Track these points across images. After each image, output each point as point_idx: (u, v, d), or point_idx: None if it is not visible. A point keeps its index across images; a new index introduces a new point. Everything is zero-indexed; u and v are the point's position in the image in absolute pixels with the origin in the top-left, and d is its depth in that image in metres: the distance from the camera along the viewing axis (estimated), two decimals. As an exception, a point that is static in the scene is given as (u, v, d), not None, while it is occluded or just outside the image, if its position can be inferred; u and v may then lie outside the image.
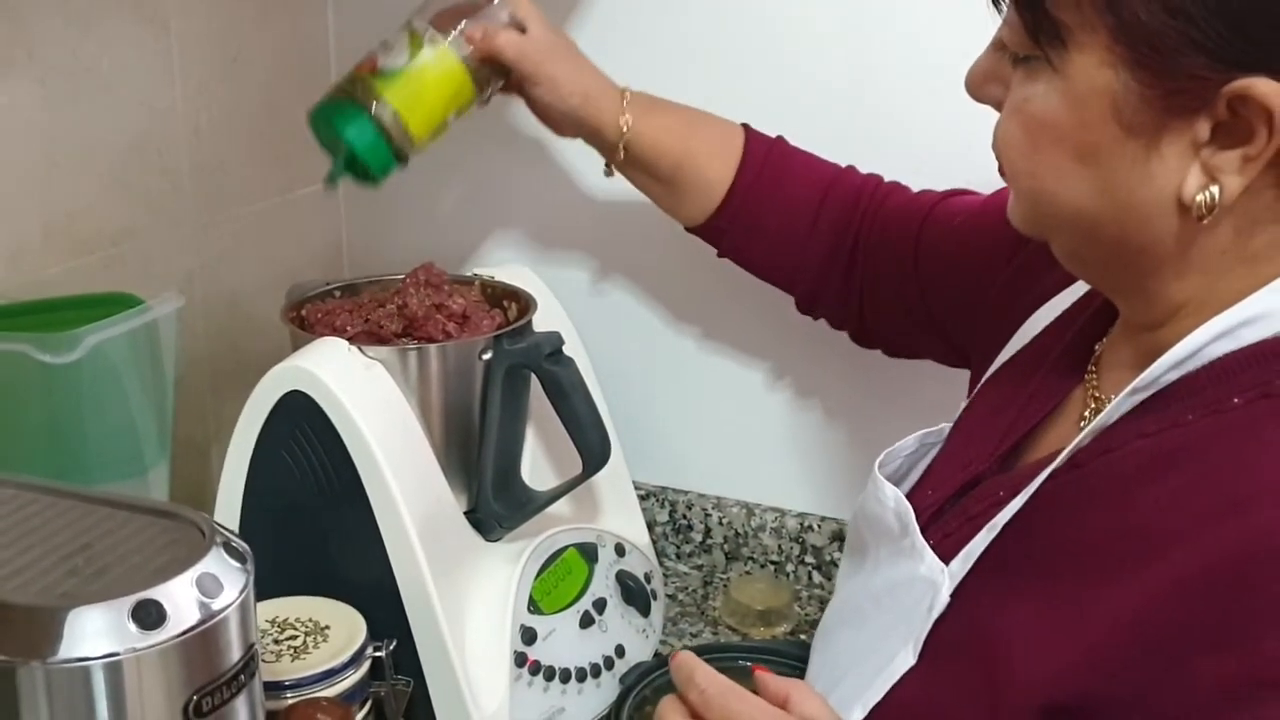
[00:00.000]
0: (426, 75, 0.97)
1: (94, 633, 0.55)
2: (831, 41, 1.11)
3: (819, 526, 1.22)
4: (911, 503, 0.76)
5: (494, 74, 1.00)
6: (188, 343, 1.12)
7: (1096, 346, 0.74)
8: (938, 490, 0.77)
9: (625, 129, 1.00)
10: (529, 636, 0.99)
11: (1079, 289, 0.79)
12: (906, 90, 1.09)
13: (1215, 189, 0.60)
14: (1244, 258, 0.63)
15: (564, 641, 1.01)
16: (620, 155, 1.02)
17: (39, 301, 0.94)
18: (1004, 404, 0.78)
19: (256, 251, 1.22)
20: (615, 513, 1.16)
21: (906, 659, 0.68)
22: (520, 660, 0.98)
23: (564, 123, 1.02)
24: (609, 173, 1.05)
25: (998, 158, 0.69)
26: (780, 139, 1.05)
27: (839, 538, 1.21)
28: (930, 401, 1.12)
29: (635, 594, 1.08)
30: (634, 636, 1.08)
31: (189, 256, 1.14)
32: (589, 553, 1.07)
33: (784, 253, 1.03)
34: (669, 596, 1.21)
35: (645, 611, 1.09)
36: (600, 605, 1.05)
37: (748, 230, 1.03)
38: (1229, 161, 0.60)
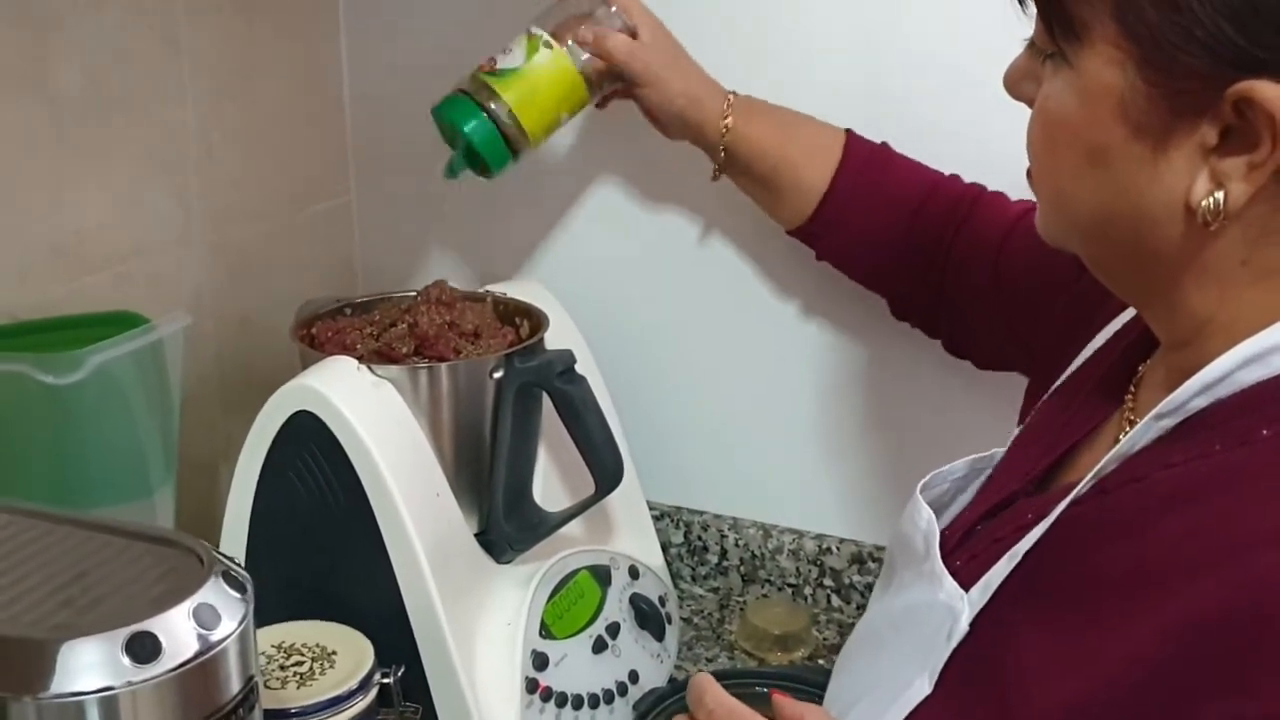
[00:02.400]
0: (541, 75, 1.02)
1: (87, 666, 0.53)
2: (846, 45, 1.10)
3: (838, 549, 1.20)
4: (950, 527, 0.74)
5: (607, 77, 1.04)
6: (197, 361, 1.11)
7: (1141, 368, 0.73)
8: (972, 512, 0.76)
9: (725, 131, 1.03)
10: (540, 662, 0.97)
11: (1132, 311, 0.77)
12: (922, 95, 1.08)
13: (1221, 195, 0.59)
14: (1264, 271, 0.61)
15: (576, 667, 1.00)
16: (721, 156, 1.04)
17: (44, 320, 0.93)
18: (1048, 427, 0.76)
19: (267, 269, 1.21)
20: (629, 534, 1.14)
21: (923, 688, 0.67)
22: (531, 686, 0.96)
23: (671, 125, 1.06)
24: (715, 176, 1.07)
25: (1028, 156, 0.68)
26: (884, 145, 1.05)
27: (858, 560, 1.19)
28: (956, 424, 1.11)
29: (649, 618, 1.06)
30: (648, 661, 1.06)
31: (199, 274, 1.13)
32: (602, 575, 1.05)
33: (878, 259, 1.04)
34: (684, 620, 1.19)
35: (660, 636, 1.07)
36: (614, 629, 1.04)
37: (843, 235, 1.04)
38: (1235, 167, 0.58)
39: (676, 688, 1.03)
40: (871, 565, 1.19)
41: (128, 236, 1.06)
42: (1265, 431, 0.59)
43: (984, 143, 1.05)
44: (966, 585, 0.68)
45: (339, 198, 1.31)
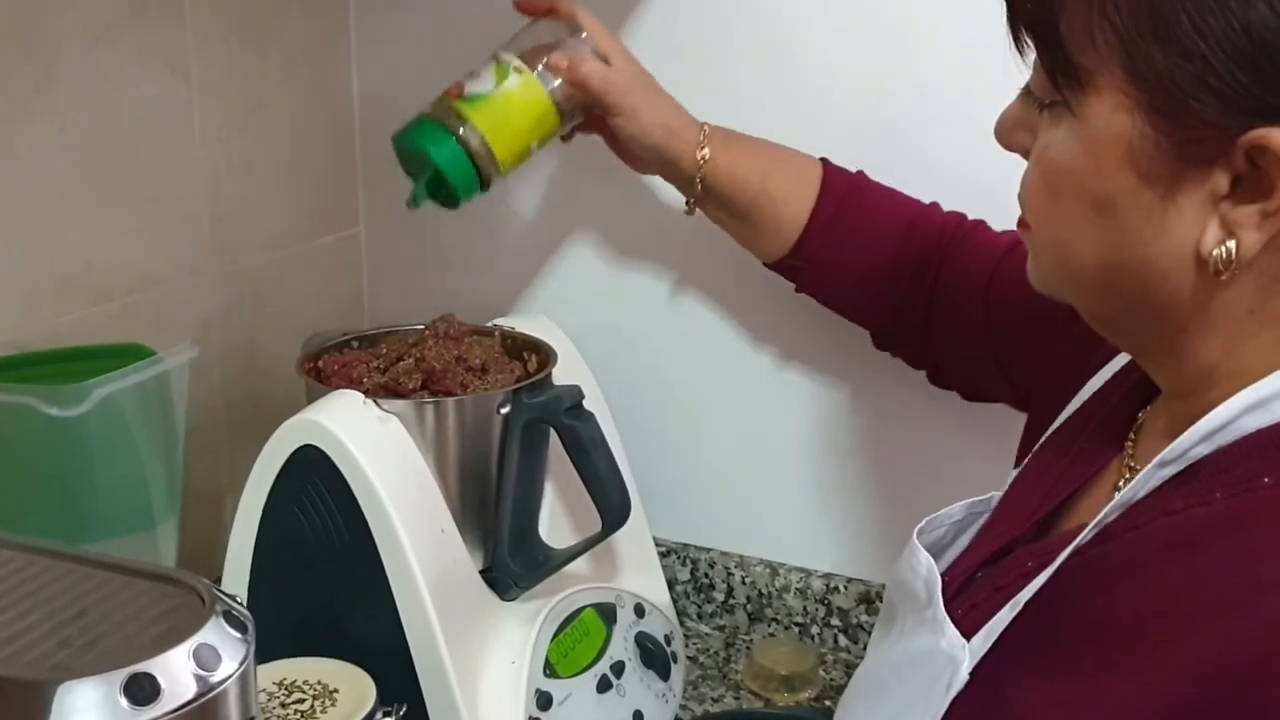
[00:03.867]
0: (512, 102, 0.99)
1: (84, 708, 0.52)
2: (850, 70, 1.10)
3: (845, 588, 1.19)
4: (950, 572, 0.73)
5: (578, 106, 1.02)
6: (203, 392, 1.11)
7: (1140, 414, 0.72)
8: (971, 557, 0.75)
9: (702, 163, 1.01)
10: (544, 701, 0.96)
11: (1120, 364, 0.76)
12: (925, 122, 1.08)
13: (1232, 244, 0.58)
14: (1272, 319, 0.61)
15: (581, 706, 0.99)
16: (697, 189, 1.02)
17: (50, 352, 0.93)
18: (1046, 472, 0.75)
19: (275, 301, 1.21)
20: (635, 571, 1.13)
21: None
22: (535, 726, 0.95)
23: (645, 156, 1.03)
24: (689, 210, 1.05)
25: (1021, 206, 0.68)
26: (861, 174, 1.04)
27: (865, 600, 1.18)
28: (965, 461, 1.10)
29: (655, 656, 1.05)
30: (653, 701, 1.05)
31: (207, 305, 1.13)
32: (607, 613, 1.04)
33: (861, 291, 1.03)
34: (690, 659, 1.18)
35: (665, 675, 1.06)
36: (619, 668, 1.02)
37: (824, 268, 1.03)
38: (1247, 216, 0.57)
39: (682, 728, 1.02)
40: (879, 605, 1.18)
41: (135, 267, 1.05)
42: (1267, 479, 0.58)
43: (991, 175, 1.05)
44: (968, 633, 0.67)
45: (348, 230, 1.31)
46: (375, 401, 0.95)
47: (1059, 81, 0.61)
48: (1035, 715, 0.62)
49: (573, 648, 1.00)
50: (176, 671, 0.55)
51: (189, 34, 1.07)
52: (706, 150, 1.01)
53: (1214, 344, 0.62)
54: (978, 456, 1.06)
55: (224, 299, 1.15)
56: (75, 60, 0.98)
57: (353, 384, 0.98)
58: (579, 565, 1.06)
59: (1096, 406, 0.77)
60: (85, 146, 0.99)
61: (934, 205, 1.02)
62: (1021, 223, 0.68)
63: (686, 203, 1.05)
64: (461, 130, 0.98)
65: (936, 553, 0.76)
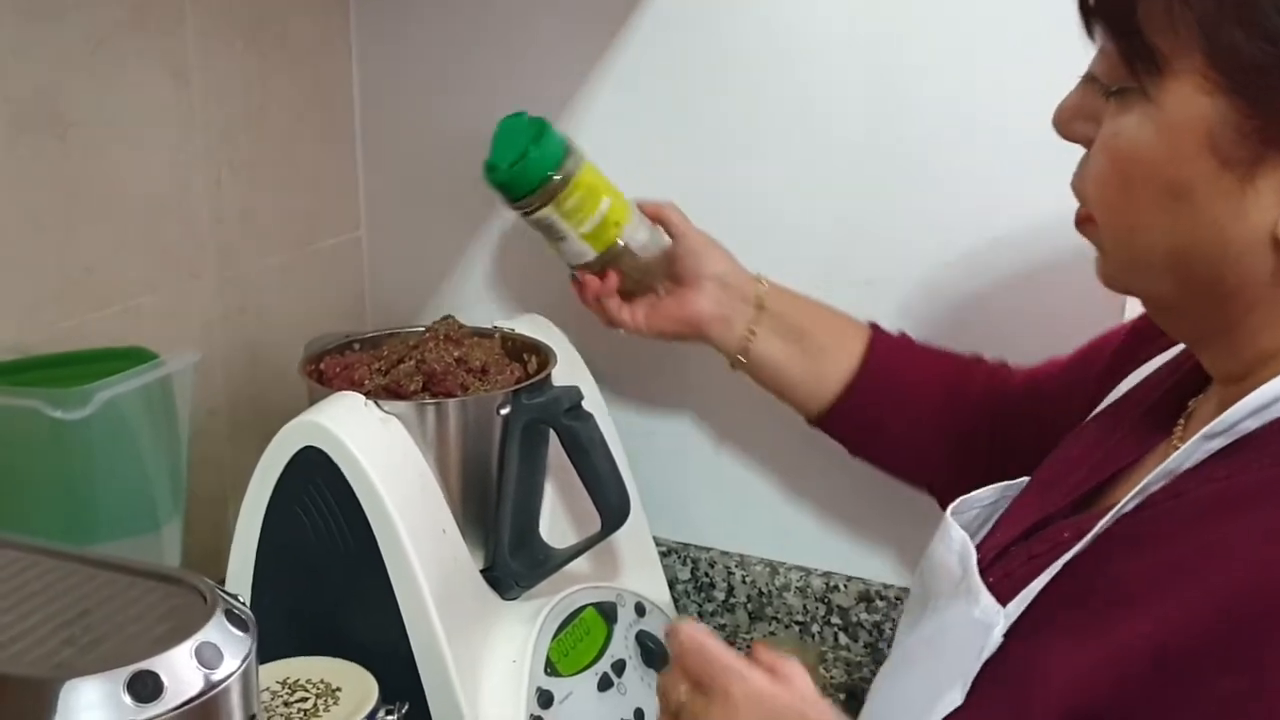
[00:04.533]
0: (601, 184, 1.05)
1: (88, 706, 0.53)
2: (854, 89, 1.10)
3: (845, 586, 1.19)
4: (982, 547, 0.74)
5: (651, 234, 1.06)
6: (206, 395, 1.12)
7: (1191, 403, 0.72)
8: (1004, 533, 0.75)
9: (761, 284, 1.05)
10: (545, 700, 0.97)
11: (1173, 351, 0.77)
12: (930, 136, 1.08)
13: None
14: None
15: (582, 705, 0.99)
16: (743, 360, 1.04)
17: (53, 356, 0.93)
18: (1084, 455, 0.76)
19: (277, 303, 1.21)
20: (635, 570, 1.14)
21: (954, 698, 0.66)
22: (536, 724, 0.95)
23: (696, 310, 1.05)
24: (735, 364, 1.06)
25: (1082, 198, 0.67)
26: (904, 336, 1.04)
27: (865, 598, 1.19)
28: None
29: (655, 655, 1.06)
30: (654, 699, 1.04)
31: (209, 308, 1.14)
32: (608, 612, 1.05)
33: (910, 454, 1.03)
34: (691, 657, 1.18)
35: (666, 673, 1.07)
36: (619, 667, 1.03)
37: (870, 431, 1.03)
38: None
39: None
40: (879, 604, 1.18)
41: (137, 271, 1.06)
42: None
43: (993, 174, 1.06)
44: (1002, 601, 0.68)
45: (349, 233, 1.31)
46: (376, 403, 0.95)
47: (1135, 66, 0.60)
48: (1058, 671, 0.62)
49: (574, 646, 1.01)
50: (179, 669, 0.55)
51: (190, 38, 1.08)
52: (764, 284, 1.04)
53: (1277, 328, 0.62)
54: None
55: (225, 302, 1.15)
56: (77, 64, 0.98)
57: (354, 386, 0.99)
58: (579, 564, 1.07)
59: (1142, 396, 0.77)
60: (87, 150, 1.00)
61: (975, 359, 1.02)
62: (1083, 218, 0.67)
63: (731, 363, 1.06)
64: (571, 159, 1.02)
65: (968, 534, 0.77)
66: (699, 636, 0.71)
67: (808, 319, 1.03)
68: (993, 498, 0.81)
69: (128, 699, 0.54)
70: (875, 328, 1.04)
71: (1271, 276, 0.60)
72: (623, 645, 1.04)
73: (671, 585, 1.21)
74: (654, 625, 1.07)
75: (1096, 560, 0.64)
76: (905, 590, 1.18)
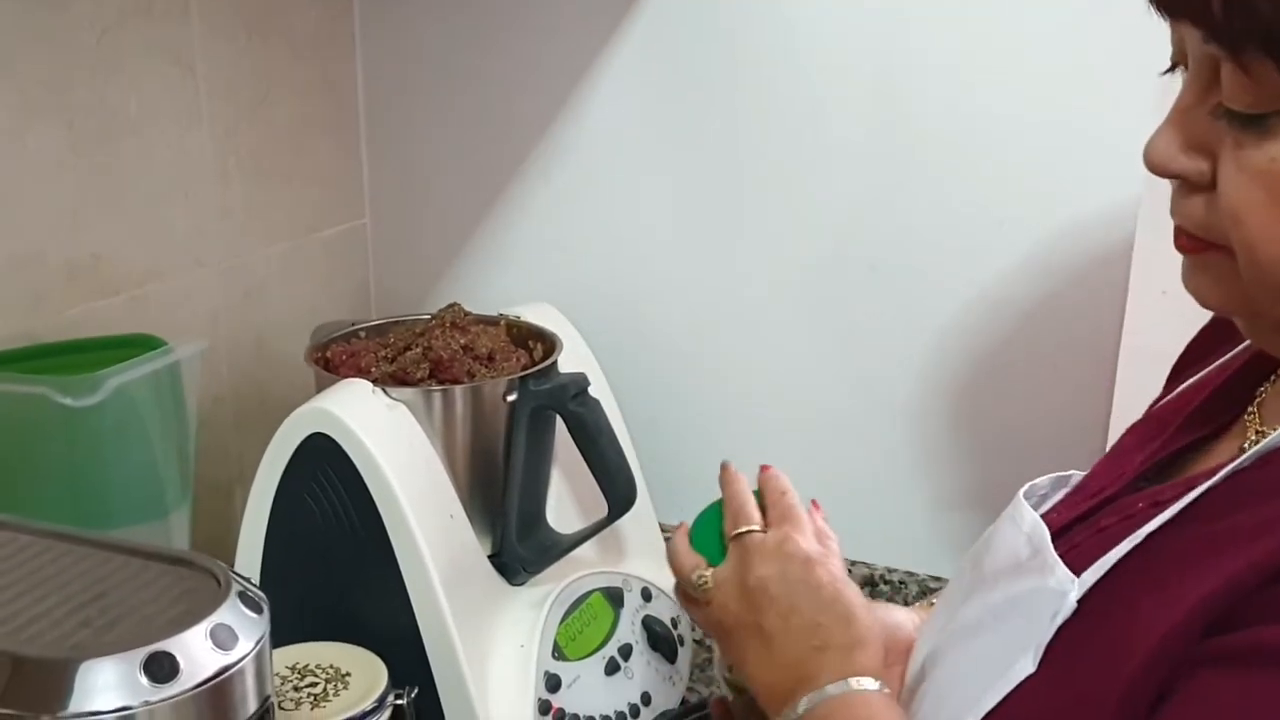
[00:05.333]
0: None
1: (105, 686, 0.53)
2: (861, 77, 1.10)
3: (850, 571, 1.19)
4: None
5: None
6: (212, 383, 1.12)
7: (1260, 390, 0.72)
8: (1061, 514, 0.75)
9: None
10: (553, 684, 0.97)
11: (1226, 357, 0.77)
12: (935, 124, 1.08)
13: None
14: None
15: (589, 689, 1.00)
16: None
17: (62, 343, 0.94)
18: (1145, 441, 0.76)
19: (283, 292, 1.22)
20: (641, 555, 1.14)
21: (1026, 666, 0.65)
22: (544, 708, 0.96)
23: None
24: None
25: (1204, 231, 0.64)
26: None
27: (870, 583, 1.19)
28: (974, 450, 1.11)
29: (662, 639, 1.06)
30: (660, 684, 1.06)
31: (215, 297, 1.14)
32: (615, 597, 1.05)
33: None
34: (696, 642, 1.18)
35: (672, 658, 1.07)
36: (626, 651, 1.04)
37: None
38: None
39: (688, 709, 1.03)
40: (883, 588, 1.19)
41: (144, 259, 1.06)
42: None
43: (998, 173, 1.06)
44: (1075, 572, 0.67)
45: (354, 221, 1.32)
46: (384, 390, 0.96)
47: None
48: (1139, 619, 0.61)
49: (580, 631, 1.01)
50: (195, 651, 0.56)
51: (195, 28, 1.08)
52: None
53: None
54: (980, 451, 1.08)
55: (232, 290, 1.16)
56: (83, 55, 0.99)
57: (361, 373, 0.99)
58: (586, 550, 1.07)
59: (1197, 391, 0.76)
60: (94, 140, 1.00)
61: None
62: (1201, 246, 0.64)
63: None
64: None
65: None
66: (781, 479, 0.80)
67: None
68: (1048, 486, 0.80)
69: (144, 679, 0.54)
70: None
71: None
72: (629, 630, 1.05)
73: (677, 571, 1.21)
74: (660, 610, 1.08)
75: (1183, 525, 0.63)
76: (910, 574, 1.18)
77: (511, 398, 0.99)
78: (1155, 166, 0.64)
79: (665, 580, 1.15)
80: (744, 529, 0.80)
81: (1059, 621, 0.65)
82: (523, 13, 1.20)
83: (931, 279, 1.12)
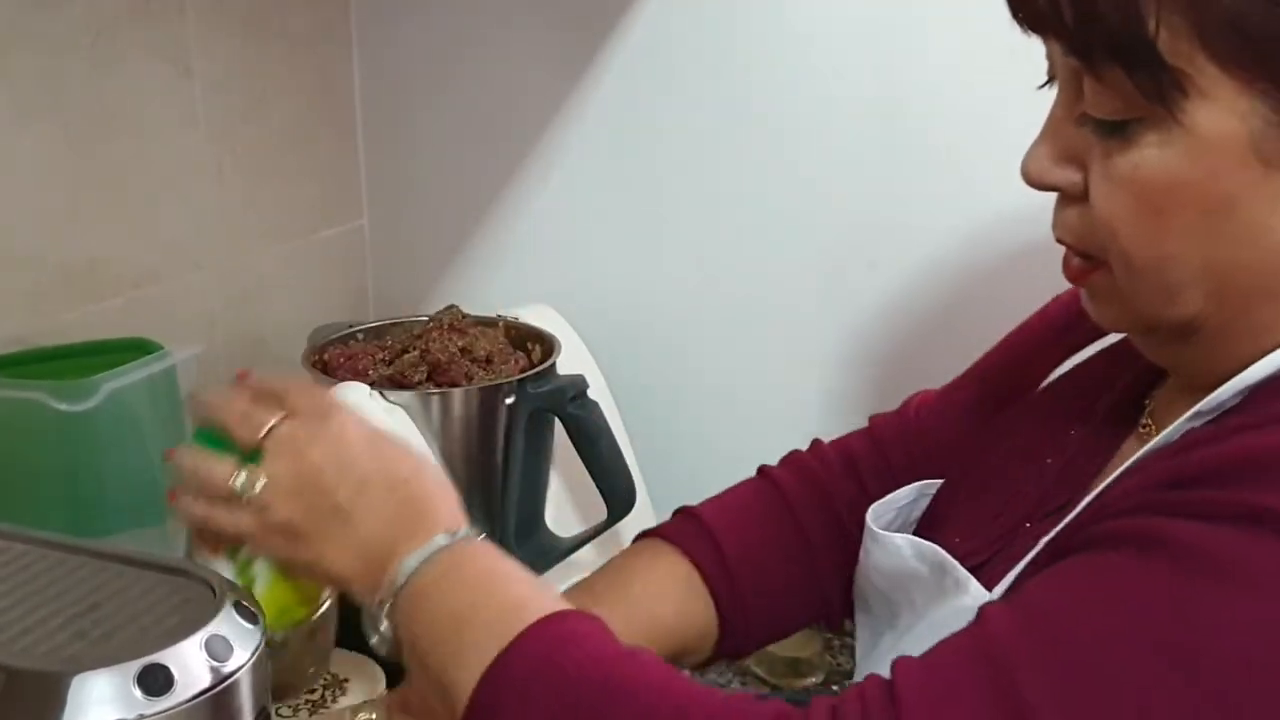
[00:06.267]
0: None
1: (99, 700, 0.53)
2: (859, 73, 1.10)
3: (850, 573, 1.19)
4: (959, 550, 0.73)
5: None
6: (209, 385, 1.11)
7: (1146, 401, 0.72)
8: (970, 539, 0.74)
9: None
10: (552, 688, 0.96)
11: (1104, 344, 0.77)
12: (934, 120, 1.08)
13: None
14: None
15: (588, 693, 0.99)
16: None
17: (57, 348, 0.93)
18: (1036, 452, 0.75)
19: (280, 294, 1.21)
20: (641, 559, 1.14)
21: None
22: (543, 713, 0.95)
23: None
24: None
25: (1081, 242, 0.64)
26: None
27: (871, 584, 1.19)
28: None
29: (661, 643, 1.06)
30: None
31: (212, 299, 1.14)
32: (614, 600, 1.05)
33: (799, 600, 0.89)
34: (696, 644, 1.18)
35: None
36: (626, 655, 1.03)
37: (759, 617, 0.88)
38: None
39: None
40: (885, 590, 1.18)
41: (140, 262, 1.06)
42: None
43: (997, 170, 1.06)
44: (989, 587, 0.67)
45: (351, 222, 1.31)
46: (381, 393, 0.95)
47: (1160, 95, 0.58)
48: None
49: (580, 635, 1.01)
50: (189, 662, 0.56)
51: (191, 28, 1.08)
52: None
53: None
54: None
55: (228, 293, 1.15)
56: (78, 56, 0.98)
57: (358, 376, 0.99)
58: (585, 553, 1.07)
59: (1087, 396, 0.76)
60: (89, 142, 1.00)
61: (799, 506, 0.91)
62: (1084, 270, 0.65)
63: None
64: None
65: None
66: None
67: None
68: (910, 497, 0.80)
69: (138, 692, 0.54)
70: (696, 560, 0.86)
71: None
72: (629, 634, 1.04)
73: (677, 573, 1.21)
74: (660, 613, 1.07)
75: (1081, 525, 0.64)
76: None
77: (510, 400, 0.99)
78: (1030, 179, 0.65)
79: (665, 583, 1.15)
80: (270, 423, 0.70)
81: None
82: (521, 13, 1.19)
83: (933, 278, 1.11)
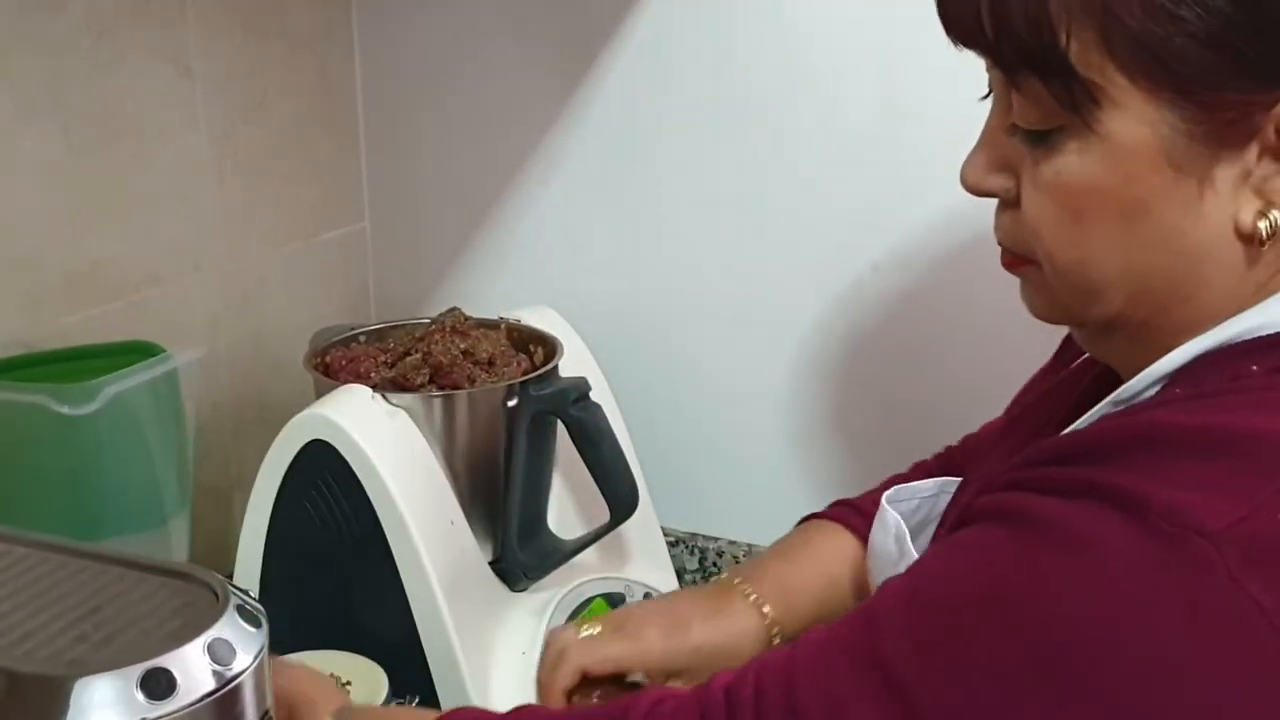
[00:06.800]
0: None
1: (101, 704, 0.53)
2: (862, 75, 1.09)
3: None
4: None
5: None
6: (211, 388, 1.11)
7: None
8: (942, 529, 0.77)
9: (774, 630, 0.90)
10: (555, 691, 0.96)
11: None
12: (937, 122, 1.07)
13: (1277, 213, 0.60)
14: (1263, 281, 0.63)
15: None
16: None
17: (59, 351, 0.93)
18: (1010, 451, 0.76)
19: (282, 296, 1.21)
20: (643, 561, 1.14)
21: None
22: (546, 716, 0.95)
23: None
24: None
25: (1017, 247, 0.68)
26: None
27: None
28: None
29: (664, 645, 1.05)
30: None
31: (213, 301, 1.13)
32: (617, 603, 1.05)
33: None
34: (699, 647, 1.18)
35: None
36: (629, 658, 1.03)
37: None
38: None
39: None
40: (888, 592, 1.18)
41: (141, 265, 1.06)
42: (1178, 390, 0.62)
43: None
44: None
45: (353, 224, 1.31)
46: (383, 396, 0.95)
47: (1075, 104, 0.61)
48: None
49: (583, 638, 1.01)
50: (192, 666, 0.55)
51: (191, 29, 1.07)
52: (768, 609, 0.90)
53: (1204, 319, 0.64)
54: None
55: (230, 295, 1.15)
56: (79, 57, 0.98)
57: (360, 379, 0.99)
58: (588, 556, 1.07)
59: (1058, 397, 0.78)
60: (89, 144, 1.00)
61: None
62: (1016, 261, 0.68)
63: None
64: None
65: (915, 526, 0.80)
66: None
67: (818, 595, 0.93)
68: (933, 490, 0.83)
69: (140, 696, 0.53)
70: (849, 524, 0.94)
71: (1239, 267, 0.62)
72: (632, 636, 1.04)
73: (680, 575, 1.21)
74: (663, 616, 1.07)
75: (973, 497, 0.67)
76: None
77: (512, 403, 0.99)
78: (968, 186, 0.70)
79: (668, 584, 1.14)
80: None
81: None
82: (522, 15, 1.19)
83: (935, 279, 1.11)
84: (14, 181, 0.94)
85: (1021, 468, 0.63)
